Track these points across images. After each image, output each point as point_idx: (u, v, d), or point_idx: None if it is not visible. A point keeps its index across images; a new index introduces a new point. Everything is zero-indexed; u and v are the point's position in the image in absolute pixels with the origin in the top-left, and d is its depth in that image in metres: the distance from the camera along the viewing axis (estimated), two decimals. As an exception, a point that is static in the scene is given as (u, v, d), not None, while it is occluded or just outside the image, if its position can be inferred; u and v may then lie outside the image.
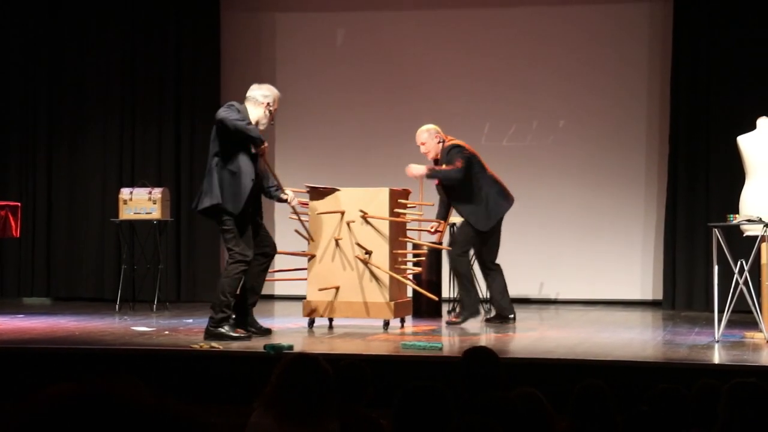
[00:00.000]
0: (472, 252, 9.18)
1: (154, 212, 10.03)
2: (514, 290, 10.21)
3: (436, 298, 8.73)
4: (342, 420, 3.87)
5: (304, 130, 11.63)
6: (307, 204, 8.37)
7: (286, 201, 8.04)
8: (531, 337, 8.23)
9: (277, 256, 8.25)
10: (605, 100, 11.25)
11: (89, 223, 11.56)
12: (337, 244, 8.26)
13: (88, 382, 1.33)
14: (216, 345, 7.18)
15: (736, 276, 7.74)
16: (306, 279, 8.40)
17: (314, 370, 3.82)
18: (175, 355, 7.06)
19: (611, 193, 11.24)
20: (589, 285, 11.19)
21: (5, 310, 10.11)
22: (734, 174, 9.13)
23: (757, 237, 7.80)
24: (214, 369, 6.90)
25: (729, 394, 3.88)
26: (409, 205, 8.69)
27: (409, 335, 8.13)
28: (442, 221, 9.24)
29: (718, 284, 7.82)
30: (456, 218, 9.78)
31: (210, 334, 7.59)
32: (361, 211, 8.24)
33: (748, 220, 7.81)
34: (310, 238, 8.30)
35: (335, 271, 8.21)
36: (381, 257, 8.25)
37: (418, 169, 8.84)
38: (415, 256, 8.94)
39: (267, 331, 7.92)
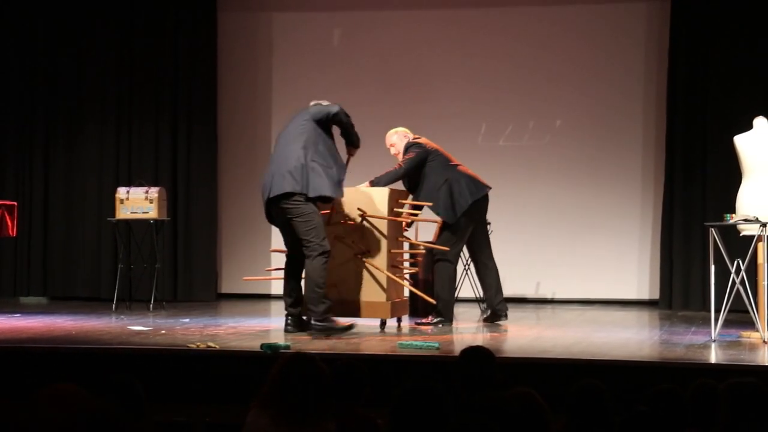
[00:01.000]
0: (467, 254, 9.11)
1: (151, 212, 10.02)
2: (511, 289, 10.24)
3: (434, 302, 8.70)
4: (339, 420, 3.87)
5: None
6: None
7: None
8: (527, 336, 8.23)
9: (274, 255, 8.26)
10: (602, 99, 11.26)
11: (86, 223, 11.56)
12: (337, 243, 8.25)
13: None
14: (213, 344, 7.17)
15: (732, 275, 7.74)
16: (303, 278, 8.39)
17: (311, 370, 3.81)
18: (172, 355, 7.05)
19: (608, 193, 11.25)
20: (586, 284, 11.19)
21: (2, 309, 10.11)
22: (731, 174, 9.13)
23: (753, 236, 7.80)
24: (210, 368, 6.90)
25: (727, 394, 3.88)
26: (406, 205, 8.68)
27: (405, 335, 8.12)
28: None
29: (715, 284, 7.82)
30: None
31: (319, 329, 7.69)
32: (360, 210, 8.24)
33: (745, 220, 7.81)
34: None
35: (333, 269, 8.20)
36: (379, 257, 8.25)
37: (364, 187, 8.62)
38: (412, 256, 8.94)
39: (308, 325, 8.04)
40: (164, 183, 11.01)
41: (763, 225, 7.71)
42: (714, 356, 7.10)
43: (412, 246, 8.96)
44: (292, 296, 8.04)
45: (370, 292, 8.26)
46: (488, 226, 9.36)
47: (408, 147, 8.82)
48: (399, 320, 8.66)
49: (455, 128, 11.25)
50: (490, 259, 9.02)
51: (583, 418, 3.98)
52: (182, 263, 11.47)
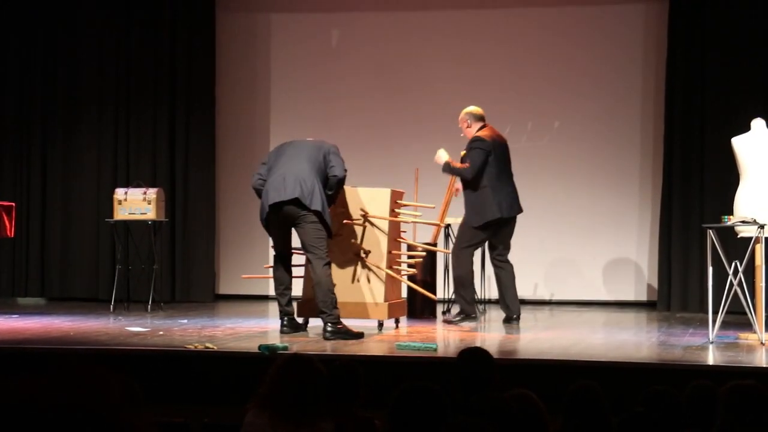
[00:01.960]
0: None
1: (149, 212, 10.02)
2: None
3: (434, 297, 8.73)
4: (336, 420, 3.87)
5: (299, 131, 11.60)
6: None
7: None
8: (525, 337, 8.23)
9: (272, 254, 8.29)
10: (600, 101, 11.27)
11: (84, 224, 11.56)
12: (337, 244, 8.25)
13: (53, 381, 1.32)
14: (210, 345, 7.18)
15: (730, 277, 7.75)
16: (302, 277, 8.40)
17: (309, 371, 3.82)
18: (170, 356, 7.05)
19: (606, 194, 11.25)
20: (584, 286, 11.20)
21: (0, 310, 10.10)
22: (728, 175, 9.13)
23: (751, 238, 7.81)
24: (208, 369, 6.90)
25: (727, 397, 3.88)
26: (405, 206, 8.69)
27: (403, 336, 8.13)
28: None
29: (713, 285, 7.83)
30: (450, 219, 9.79)
31: (335, 333, 7.68)
32: (362, 210, 8.25)
33: (743, 222, 7.82)
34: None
35: (332, 270, 8.21)
36: (379, 257, 8.26)
37: (440, 158, 8.90)
38: (412, 257, 8.94)
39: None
40: (162, 184, 11.01)
41: (761, 227, 7.72)
42: (712, 358, 7.11)
43: (411, 248, 8.97)
44: (286, 295, 8.07)
45: (369, 293, 8.26)
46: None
47: (472, 144, 8.88)
48: (397, 321, 8.66)
49: (453, 129, 11.24)
50: (503, 258, 9.06)
51: (580, 420, 3.98)
52: (180, 264, 11.47)
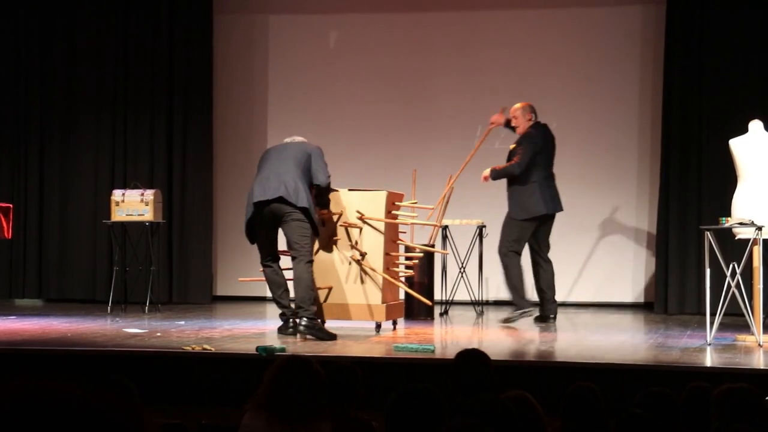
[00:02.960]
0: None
1: (147, 214, 10.01)
2: (507, 293, 10.21)
3: (430, 303, 8.72)
4: (334, 422, 3.87)
5: (297, 133, 11.58)
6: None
7: None
8: (523, 339, 8.24)
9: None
10: (598, 102, 11.27)
11: (81, 225, 11.55)
12: (334, 245, 8.25)
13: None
14: (208, 347, 7.17)
15: (728, 279, 7.75)
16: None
17: (306, 372, 3.82)
18: (167, 357, 7.05)
19: (603, 195, 11.26)
20: (581, 287, 11.20)
21: (-3, 311, 10.11)
22: (726, 177, 9.14)
23: (748, 240, 7.81)
24: (206, 371, 6.89)
25: (720, 400, 3.88)
26: (402, 207, 8.69)
27: (401, 337, 8.13)
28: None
29: (710, 287, 7.83)
30: (449, 220, 9.79)
31: (309, 327, 7.71)
32: (359, 212, 8.25)
33: (740, 223, 7.82)
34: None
35: (329, 272, 8.21)
36: (376, 259, 8.26)
37: (485, 173, 9.11)
38: (409, 259, 8.94)
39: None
40: (160, 185, 11.00)
41: (759, 228, 7.72)
42: (709, 360, 7.10)
43: (408, 249, 8.97)
44: (285, 297, 8.09)
45: (366, 295, 8.26)
46: (484, 229, 9.50)
47: (523, 138, 9.08)
48: (394, 323, 8.66)
49: (451, 130, 11.27)
50: (544, 255, 9.19)
51: (577, 421, 3.98)
52: (177, 266, 11.47)
